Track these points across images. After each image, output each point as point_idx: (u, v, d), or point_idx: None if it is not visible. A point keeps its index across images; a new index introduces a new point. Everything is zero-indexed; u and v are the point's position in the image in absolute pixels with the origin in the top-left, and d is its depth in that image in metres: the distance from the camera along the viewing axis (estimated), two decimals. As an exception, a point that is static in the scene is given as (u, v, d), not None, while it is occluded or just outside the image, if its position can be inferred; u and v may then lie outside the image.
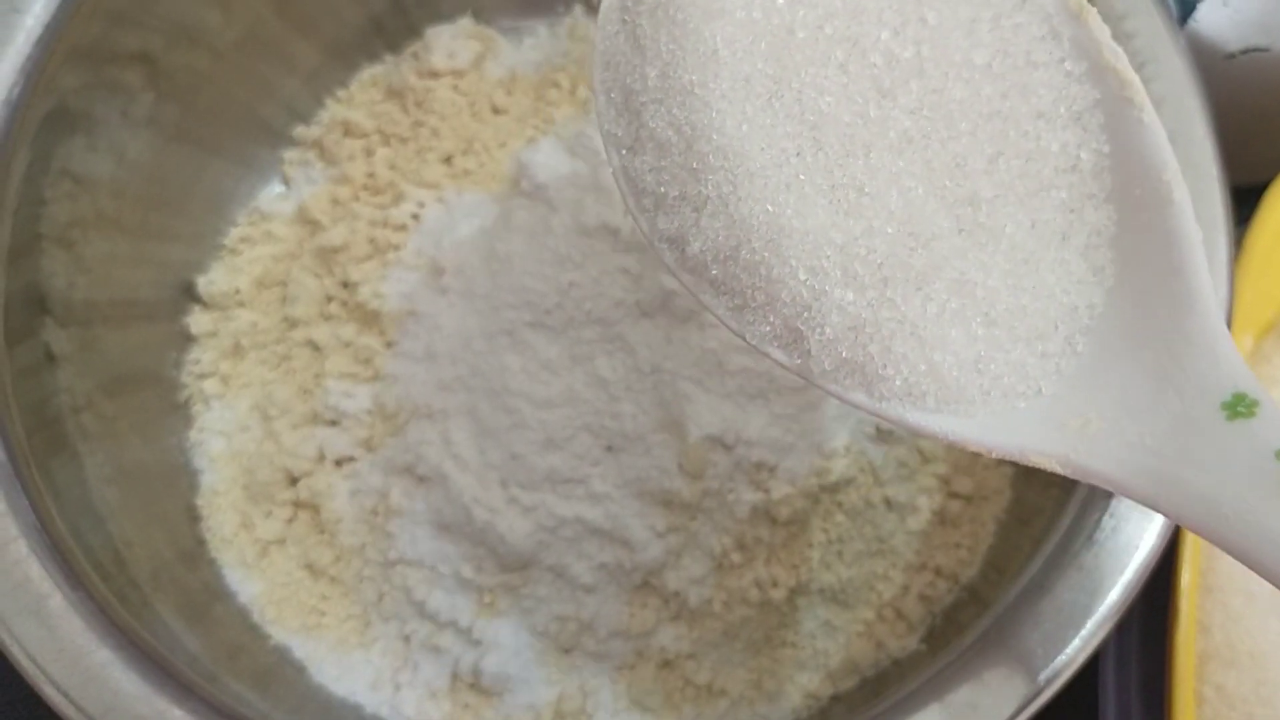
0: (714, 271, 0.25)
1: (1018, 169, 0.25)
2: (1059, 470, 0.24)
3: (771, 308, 0.24)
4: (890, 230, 0.24)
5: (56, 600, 0.32)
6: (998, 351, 0.25)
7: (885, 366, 0.24)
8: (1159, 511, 0.23)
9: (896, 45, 0.25)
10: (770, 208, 0.24)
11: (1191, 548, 0.36)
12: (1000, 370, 0.25)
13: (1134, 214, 0.25)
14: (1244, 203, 0.40)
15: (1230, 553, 0.22)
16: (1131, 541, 0.32)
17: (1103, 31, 0.26)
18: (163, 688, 0.31)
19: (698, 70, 0.24)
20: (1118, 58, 0.25)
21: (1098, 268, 0.26)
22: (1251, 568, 0.21)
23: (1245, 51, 0.43)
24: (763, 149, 0.24)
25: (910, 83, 0.25)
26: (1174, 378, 0.24)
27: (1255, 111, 0.44)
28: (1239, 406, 0.23)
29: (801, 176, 0.24)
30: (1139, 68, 0.36)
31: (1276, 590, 0.38)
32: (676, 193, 0.25)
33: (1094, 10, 0.26)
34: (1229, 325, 0.35)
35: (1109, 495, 0.33)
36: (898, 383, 0.24)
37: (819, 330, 0.24)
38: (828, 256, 0.24)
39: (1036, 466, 0.24)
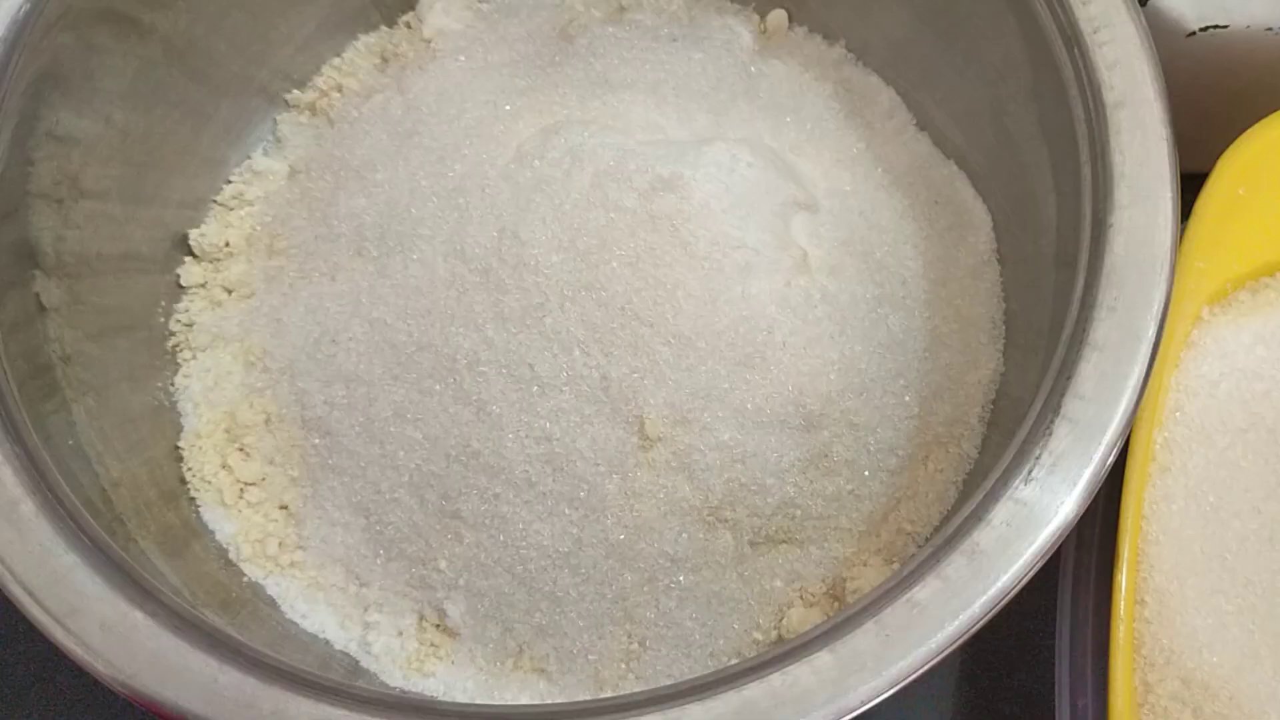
0: None
1: None
2: None
3: None
4: None
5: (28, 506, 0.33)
6: None
7: None
8: None
9: None
10: None
11: (1134, 496, 0.37)
12: None
13: None
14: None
15: None
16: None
17: None
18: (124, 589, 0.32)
19: None
20: None
21: None
22: None
23: (1205, 29, 0.44)
24: None
25: None
26: None
27: (1215, 90, 0.45)
28: None
29: None
30: (1093, 33, 0.38)
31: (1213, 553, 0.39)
32: None
33: None
34: (1169, 292, 0.34)
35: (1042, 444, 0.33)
36: None
37: None
38: None
39: None
